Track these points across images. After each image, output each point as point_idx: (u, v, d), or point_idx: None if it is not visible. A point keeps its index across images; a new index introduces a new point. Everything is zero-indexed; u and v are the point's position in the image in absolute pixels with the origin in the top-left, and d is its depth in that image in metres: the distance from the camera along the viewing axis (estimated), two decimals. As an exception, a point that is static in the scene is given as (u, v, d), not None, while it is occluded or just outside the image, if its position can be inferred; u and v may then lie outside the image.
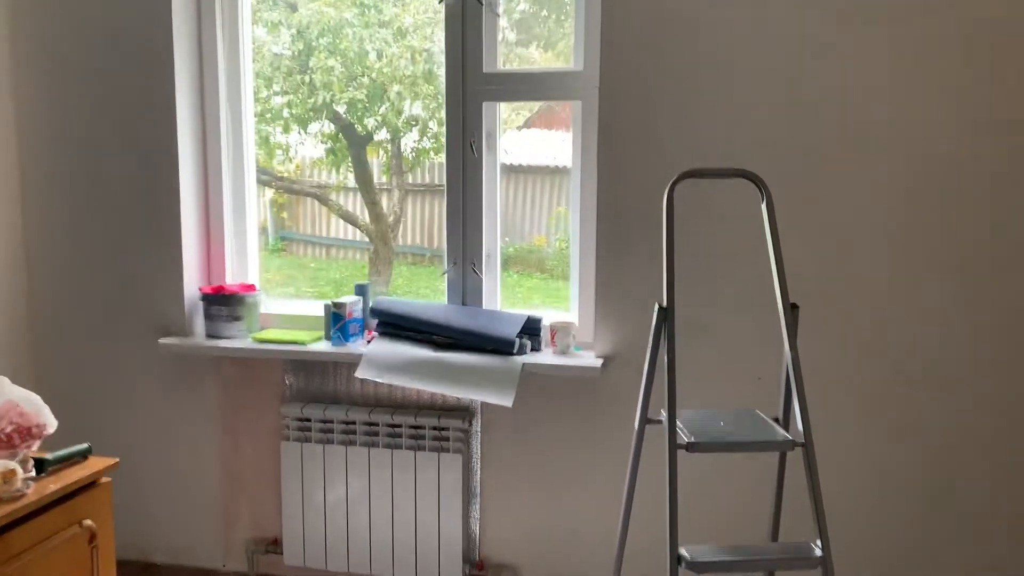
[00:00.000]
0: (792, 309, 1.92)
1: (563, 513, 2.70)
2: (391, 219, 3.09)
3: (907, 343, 2.42)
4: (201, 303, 2.86)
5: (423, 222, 3.16)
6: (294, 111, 3.06)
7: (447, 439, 2.66)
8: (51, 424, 2.08)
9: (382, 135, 3.06)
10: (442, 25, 2.69)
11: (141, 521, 2.98)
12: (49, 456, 2.00)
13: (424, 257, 3.19)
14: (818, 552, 1.82)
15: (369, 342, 2.71)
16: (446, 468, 2.65)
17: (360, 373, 2.59)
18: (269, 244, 3.22)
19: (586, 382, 2.59)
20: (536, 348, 2.66)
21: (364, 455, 2.70)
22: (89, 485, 2.03)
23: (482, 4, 2.63)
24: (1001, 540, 2.45)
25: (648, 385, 2.04)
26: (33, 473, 1.94)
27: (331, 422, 2.73)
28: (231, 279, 2.97)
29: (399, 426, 2.69)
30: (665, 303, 1.92)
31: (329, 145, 3.11)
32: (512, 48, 2.86)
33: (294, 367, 2.81)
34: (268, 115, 3.07)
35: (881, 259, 2.40)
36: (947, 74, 2.31)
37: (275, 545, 2.90)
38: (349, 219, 3.19)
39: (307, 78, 2.98)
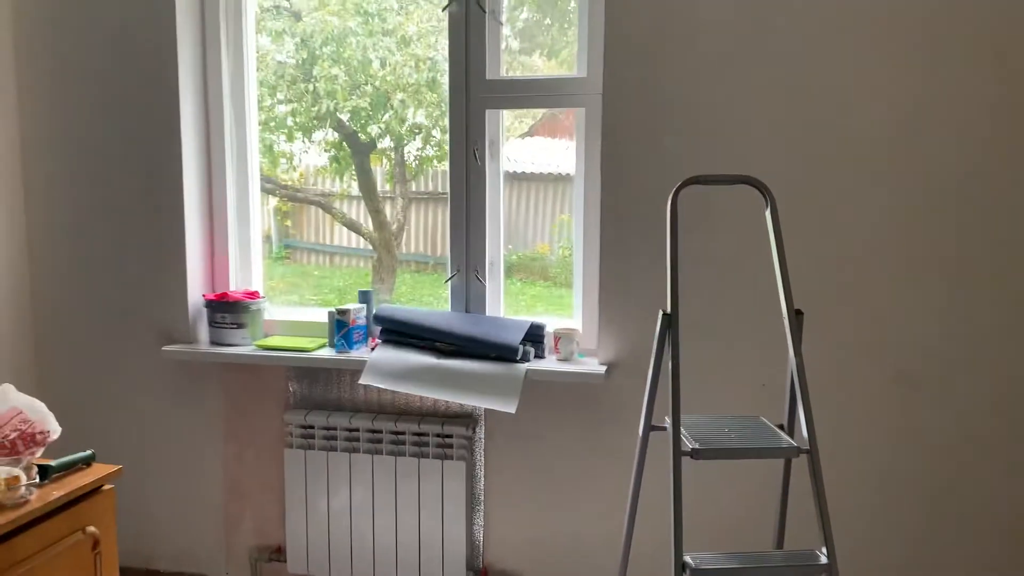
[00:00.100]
0: (796, 315, 1.92)
1: (567, 520, 2.69)
2: (394, 227, 3.09)
3: (912, 349, 2.42)
4: (205, 310, 2.86)
5: (426, 230, 3.16)
6: (298, 119, 3.07)
7: (451, 446, 2.66)
8: (55, 431, 2.08)
9: (385, 143, 3.07)
10: (446, 33, 2.70)
11: (144, 528, 2.98)
12: (53, 463, 2.01)
13: (427, 265, 3.19)
14: (823, 559, 1.81)
15: (372, 349, 2.71)
16: (450, 475, 2.65)
17: (364, 380, 2.59)
18: (273, 252, 3.23)
19: (590, 389, 2.59)
20: (540, 355, 2.66)
21: (367, 462, 2.70)
22: (93, 492, 2.03)
23: (485, 12, 2.64)
24: (1004, 543, 2.44)
25: (652, 392, 2.04)
26: (37, 480, 1.94)
27: (334, 429, 2.73)
28: (235, 287, 2.98)
29: (402, 433, 2.69)
30: (669, 309, 1.92)
31: (333, 153, 3.11)
32: (515, 56, 2.87)
33: (297, 374, 2.82)
34: (272, 123, 3.08)
35: (885, 264, 2.40)
36: (948, 78, 2.31)
37: (278, 553, 2.90)
38: (353, 227, 3.20)
39: (311, 86, 2.99)
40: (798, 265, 2.11)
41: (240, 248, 2.99)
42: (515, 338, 2.59)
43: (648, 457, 2.09)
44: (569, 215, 2.88)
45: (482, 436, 2.71)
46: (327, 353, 2.73)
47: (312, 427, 2.75)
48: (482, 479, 2.73)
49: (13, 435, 1.99)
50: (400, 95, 2.97)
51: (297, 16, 3.00)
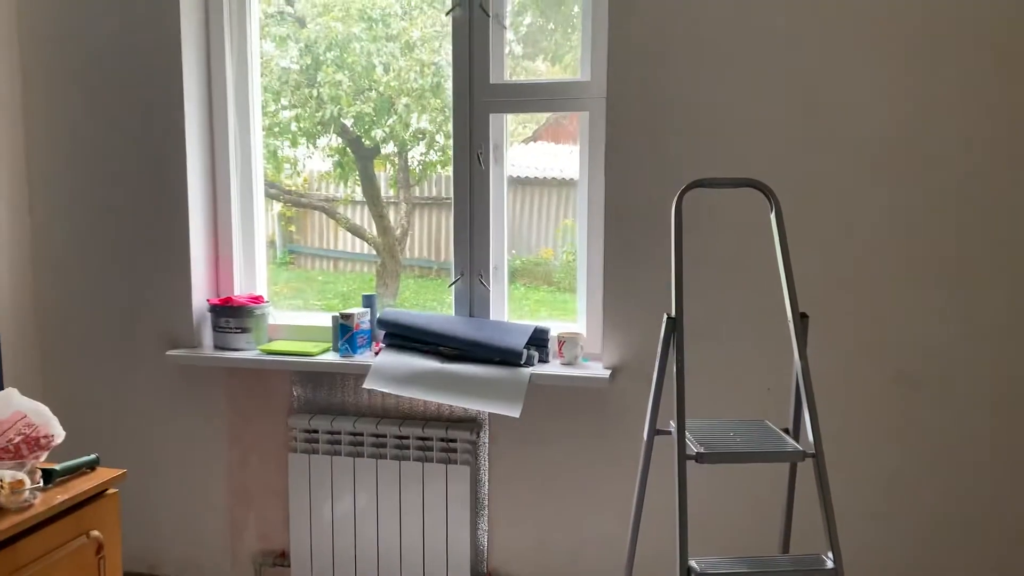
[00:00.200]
0: (802, 318, 1.91)
1: (572, 524, 2.68)
2: (398, 232, 3.10)
3: (912, 349, 2.41)
4: (209, 315, 2.87)
5: (430, 235, 3.17)
6: (302, 125, 3.08)
7: (455, 450, 2.65)
8: (59, 435, 2.08)
9: (389, 148, 3.08)
10: (449, 38, 2.71)
11: (148, 532, 2.98)
12: (57, 467, 2.01)
13: (431, 270, 3.19)
14: (829, 564, 1.80)
15: (376, 353, 2.71)
16: (454, 480, 2.64)
17: (368, 384, 2.59)
18: (277, 257, 3.23)
19: (594, 393, 2.59)
20: (544, 359, 2.65)
21: (372, 467, 2.70)
22: (97, 496, 2.03)
23: (489, 17, 2.65)
24: (1010, 545, 2.43)
25: (657, 396, 2.03)
26: (41, 484, 1.94)
27: (338, 433, 2.73)
28: (239, 291, 2.98)
29: (407, 438, 2.68)
30: (674, 313, 1.91)
31: (337, 158, 3.12)
32: (519, 62, 2.87)
33: (302, 379, 2.82)
34: (276, 129, 3.08)
35: (891, 268, 2.40)
36: (948, 78, 2.31)
37: (282, 558, 2.90)
38: (356, 232, 3.20)
39: (315, 92, 3.00)
40: (803, 268, 2.11)
41: (244, 253, 2.99)
42: (519, 342, 2.59)
43: (653, 461, 2.09)
44: (573, 219, 2.88)
45: (486, 440, 2.71)
46: (331, 358, 2.73)
47: (316, 431, 2.74)
48: (486, 483, 2.73)
49: (17, 439, 1.99)
50: (404, 100, 2.97)
51: (301, 22, 3.01)
